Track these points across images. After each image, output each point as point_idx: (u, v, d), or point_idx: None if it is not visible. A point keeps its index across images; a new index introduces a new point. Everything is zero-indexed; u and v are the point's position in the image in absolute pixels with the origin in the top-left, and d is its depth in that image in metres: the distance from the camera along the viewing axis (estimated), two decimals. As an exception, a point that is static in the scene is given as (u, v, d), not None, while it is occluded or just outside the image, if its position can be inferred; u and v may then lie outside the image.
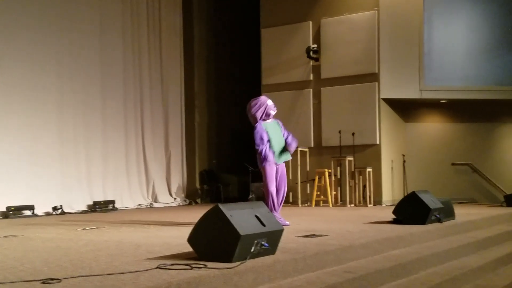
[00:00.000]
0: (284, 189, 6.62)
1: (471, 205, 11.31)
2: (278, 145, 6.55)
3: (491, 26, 12.02)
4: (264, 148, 6.41)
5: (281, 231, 4.16)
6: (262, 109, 6.56)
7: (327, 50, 11.96)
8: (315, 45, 11.99)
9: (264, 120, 6.58)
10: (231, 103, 13.80)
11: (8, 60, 9.27)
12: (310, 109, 12.14)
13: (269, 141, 6.47)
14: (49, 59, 9.98)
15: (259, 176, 11.66)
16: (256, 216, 3.98)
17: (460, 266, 5.41)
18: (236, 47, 14.23)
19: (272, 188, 6.47)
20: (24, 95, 9.54)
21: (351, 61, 11.68)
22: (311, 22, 12.18)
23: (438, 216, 6.59)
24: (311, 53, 11.93)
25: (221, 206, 3.76)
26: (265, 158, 6.41)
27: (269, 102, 6.64)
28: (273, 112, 6.66)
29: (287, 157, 6.65)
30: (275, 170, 6.53)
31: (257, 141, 6.42)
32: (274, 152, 6.47)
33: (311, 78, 12.16)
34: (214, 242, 3.74)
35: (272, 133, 6.55)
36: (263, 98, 6.69)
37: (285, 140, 6.65)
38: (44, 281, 3.11)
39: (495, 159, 12.43)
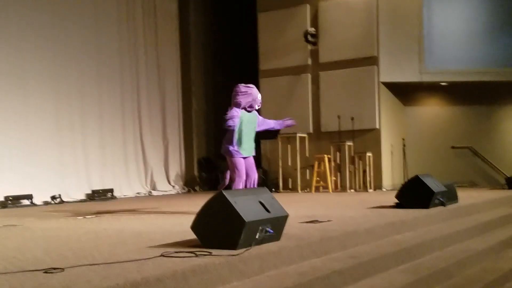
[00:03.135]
0: (254, 178, 6.34)
1: (472, 188, 11.28)
2: (247, 137, 6.31)
3: (491, 7, 11.90)
4: (232, 123, 6.18)
5: (285, 217, 4.10)
6: (249, 100, 6.30)
7: (325, 34, 11.84)
8: (313, 29, 11.86)
9: (244, 109, 6.33)
10: (228, 90, 13.62)
11: (1, 49, 9.12)
12: (308, 94, 12.04)
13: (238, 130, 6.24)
14: (43, 47, 9.84)
15: (256, 163, 11.51)
16: (260, 202, 3.91)
17: (465, 250, 5.38)
18: (233, 32, 14.08)
19: (240, 184, 6.19)
20: (18, 83, 9.41)
21: (349, 45, 11.55)
22: (308, 6, 12.03)
23: (441, 199, 6.54)
24: (309, 37, 11.81)
25: (225, 192, 3.69)
26: (230, 119, 6.15)
27: (259, 97, 6.40)
28: (257, 107, 6.42)
29: (252, 151, 6.41)
30: (243, 162, 6.26)
31: (229, 117, 6.19)
32: (240, 142, 6.25)
33: (309, 62, 12.04)
34: (218, 229, 3.68)
35: (246, 124, 6.30)
36: (255, 90, 6.40)
37: (270, 127, 6.64)
38: (46, 271, 3.05)
39: (496, 142, 12.38)
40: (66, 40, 10.24)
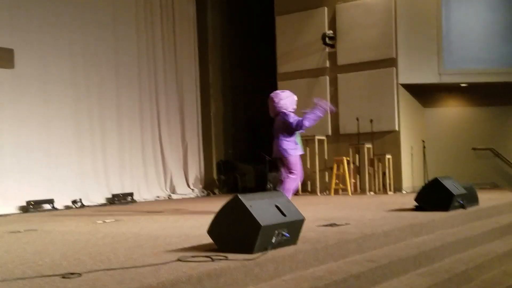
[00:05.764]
0: (302, 176, 6.90)
1: (493, 190, 11.12)
2: (297, 136, 6.86)
3: (511, 6, 11.73)
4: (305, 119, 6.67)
5: (302, 221, 4.09)
6: (292, 101, 6.81)
7: (343, 36, 11.79)
8: (331, 32, 11.82)
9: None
10: (246, 92, 13.71)
11: (22, 53, 9.24)
12: (326, 96, 11.98)
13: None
14: (62, 50, 9.95)
15: (276, 165, 11.59)
16: (276, 206, 3.91)
17: (485, 253, 5.31)
18: (250, 35, 14.11)
19: (297, 181, 6.78)
20: (38, 87, 9.52)
21: (367, 47, 11.49)
22: (326, 8, 12.00)
23: (461, 202, 6.46)
24: (327, 39, 11.77)
25: (240, 196, 3.70)
26: (301, 123, 6.60)
27: (295, 98, 6.90)
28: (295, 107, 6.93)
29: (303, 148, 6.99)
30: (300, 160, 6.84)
31: (298, 120, 6.65)
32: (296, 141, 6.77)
33: (327, 65, 12.00)
34: (234, 233, 3.69)
35: None
36: (290, 92, 6.95)
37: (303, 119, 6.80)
38: (64, 276, 3.08)
39: (517, 143, 12.19)
40: (84, 43, 10.34)
